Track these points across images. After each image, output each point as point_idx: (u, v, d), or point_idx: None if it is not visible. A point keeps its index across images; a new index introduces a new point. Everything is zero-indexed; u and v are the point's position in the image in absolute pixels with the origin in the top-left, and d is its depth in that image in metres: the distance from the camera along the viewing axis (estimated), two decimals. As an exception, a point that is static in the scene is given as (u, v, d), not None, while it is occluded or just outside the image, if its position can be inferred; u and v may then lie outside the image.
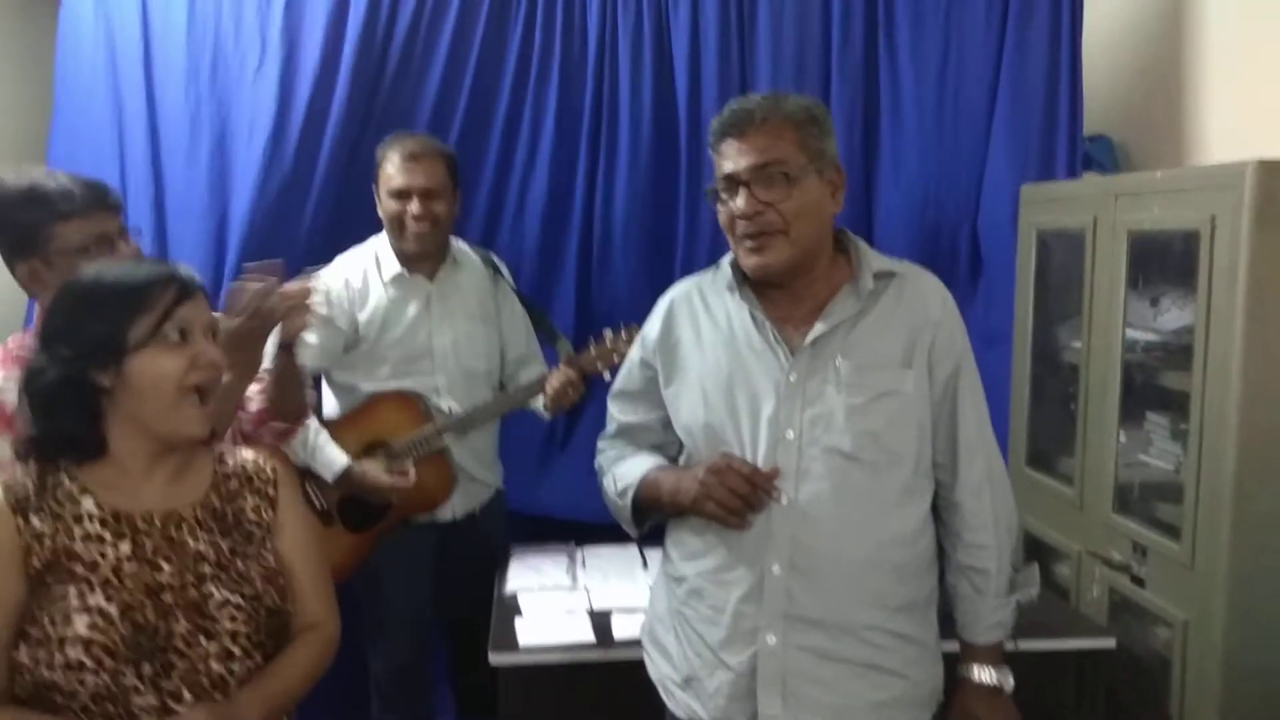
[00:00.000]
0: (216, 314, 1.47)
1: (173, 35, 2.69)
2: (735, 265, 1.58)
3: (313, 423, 2.29)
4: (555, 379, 2.40)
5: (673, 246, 2.90)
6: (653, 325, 1.66)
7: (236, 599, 1.32)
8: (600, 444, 1.75)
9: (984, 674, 1.56)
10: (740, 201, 1.47)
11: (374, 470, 2.32)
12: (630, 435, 1.71)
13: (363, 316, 2.41)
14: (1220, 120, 2.58)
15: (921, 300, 1.54)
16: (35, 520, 1.27)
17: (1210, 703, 1.90)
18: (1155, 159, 2.84)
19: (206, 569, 1.32)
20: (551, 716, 2.00)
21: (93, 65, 2.69)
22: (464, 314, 2.48)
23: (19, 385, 1.31)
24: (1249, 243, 1.81)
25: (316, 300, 1.79)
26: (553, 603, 2.18)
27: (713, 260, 1.69)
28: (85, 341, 1.27)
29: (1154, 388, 2.15)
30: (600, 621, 2.08)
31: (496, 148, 2.84)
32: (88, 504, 1.30)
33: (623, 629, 2.03)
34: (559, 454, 2.90)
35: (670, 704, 1.61)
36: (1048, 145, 2.80)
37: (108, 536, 1.29)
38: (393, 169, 2.36)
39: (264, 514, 1.42)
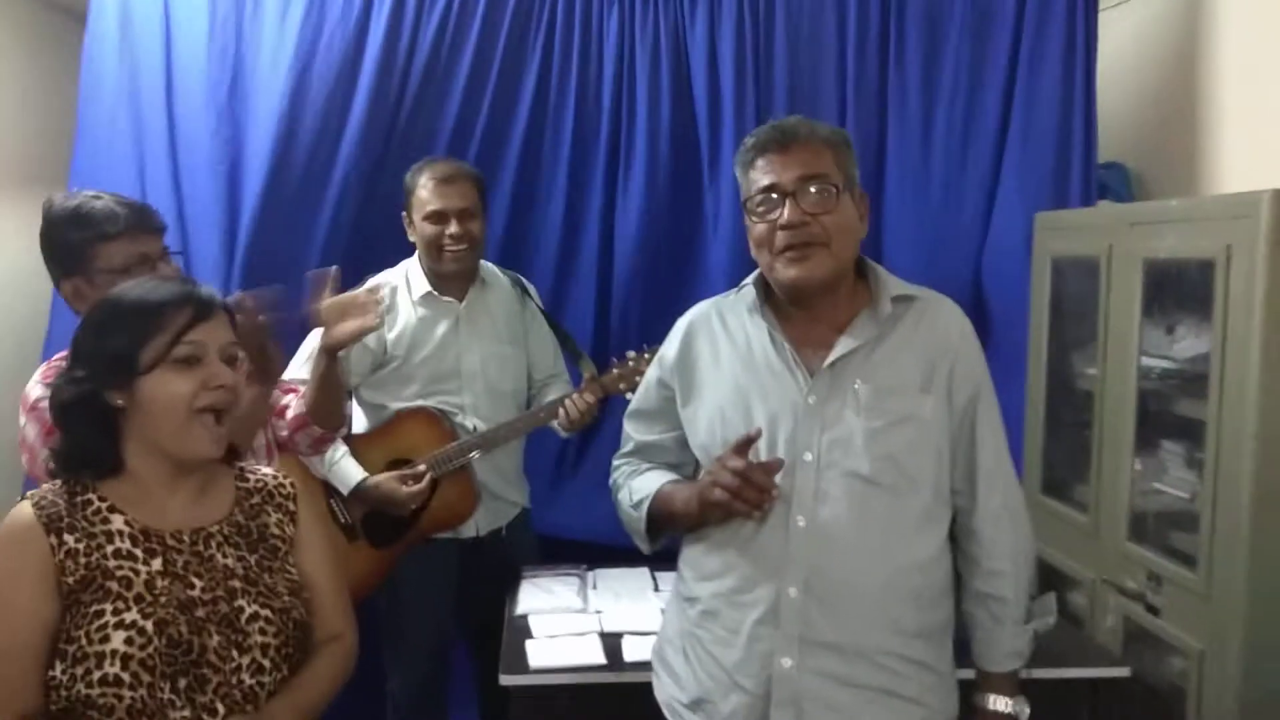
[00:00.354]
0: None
1: (194, 57, 2.72)
2: (759, 285, 1.59)
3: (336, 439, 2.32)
4: (578, 400, 2.42)
5: (689, 267, 2.92)
6: (671, 345, 1.67)
7: (266, 612, 1.34)
8: (616, 461, 1.76)
9: (1000, 703, 1.55)
10: (786, 212, 1.48)
11: (389, 483, 2.34)
12: (646, 453, 1.72)
13: (391, 336, 2.44)
14: (1236, 149, 2.59)
15: (941, 326, 1.55)
16: (69, 538, 1.29)
17: (1227, 734, 1.89)
18: (1170, 187, 2.84)
19: (236, 584, 1.34)
20: (562, 738, 1.99)
21: (115, 86, 2.72)
22: (492, 335, 2.52)
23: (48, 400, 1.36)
24: (1265, 271, 1.81)
25: (377, 305, 1.89)
26: (564, 624, 2.18)
27: (730, 279, 1.70)
28: (101, 361, 1.31)
29: (1169, 415, 2.15)
30: (611, 643, 2.08)
31: (514, 168, 2.87)
32: (117, 522, 1.32)
33: (634, 651, 2.03)
34: (571, 475, 2.91)
35: None
36: (1062, 173, 2.80)
37: (139, 553, 1.31)
38: (426, 194, 2.40)
39: (286, 529, 1.44)
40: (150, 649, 1.25)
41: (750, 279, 1.62)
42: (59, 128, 2.87)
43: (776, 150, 1.51)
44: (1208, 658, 1.93)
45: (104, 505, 1.33)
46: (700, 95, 2.86)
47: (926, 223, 2.85)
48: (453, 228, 2.38)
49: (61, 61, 2.94)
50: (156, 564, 1.31)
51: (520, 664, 1.99)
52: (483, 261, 2.57)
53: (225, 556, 1.36)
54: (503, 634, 2.18)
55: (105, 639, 1.25)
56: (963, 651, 1.60)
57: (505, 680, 1.96)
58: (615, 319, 2.91)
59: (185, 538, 1.34)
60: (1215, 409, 1.92)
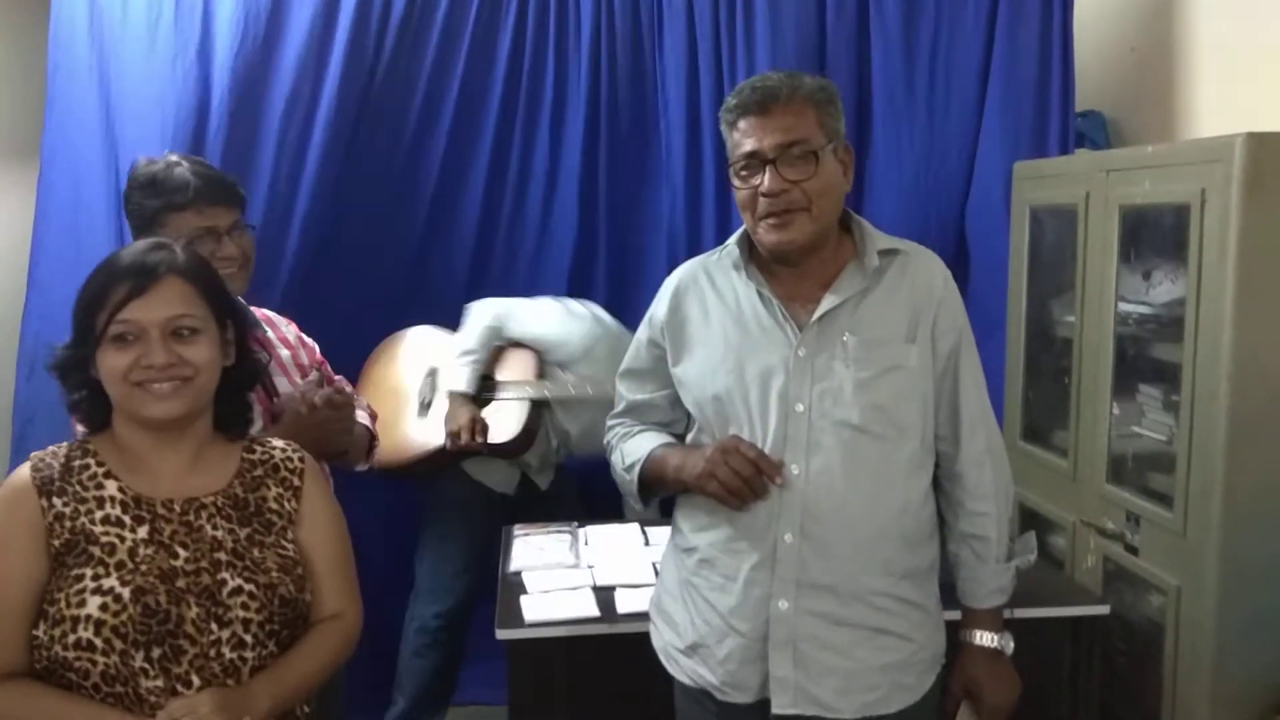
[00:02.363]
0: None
1: (161, 23, 2.67)
2: (742, 245, 1.61)
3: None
4: None
5: (662, 227, 2.94)
6: (660, 305, 1.68)
7: (250, 587, 1.32)
8: (609, 422, 1.78)
9: (985, 638, 1.60)
10: (766, 180, 1.49)
11: (456, 412, 2.62)
12: (638, 413, 1.74)
13: None
14: (1210, 94, 2.61)
15: (925, 277, 1.58)
16: (57, 501, 1.30)
17: (1203, 667, 1.95)
18: (1146, 134, 2.87)
19: (222, 556, 1.33)
20: (558, 689, 2.02)
21: (84, 56, 2.67)
22: None
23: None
24: (1238, 215, 1.84)
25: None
26: (557, 579, 2.21)
27: (713, 240, 1.71)
28: (76, 332, 1.34)
29: (1146, 360, 2.19)
30: (604, 596, 2.11)
31: (491, 136, 2.88)
32: (111, 488, 1.33)
33: (626, 603, 2.06)
34: None
35: (674, 670, 1.65)
36: (1040, 122, 2.82)
37: (127, 520, 1.31)
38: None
39: (286, 504, 1.42)
40: (124, 616, 1.25)
41: (733, 239, 1.63)
42: (30, 99, 2.83)
43: (757, 113, 1.51)
44: (1184, 594, 1.99)
45: (100, 471, 1.34)
46: (678, 52, 2.85)
47: (906, 176, 2.87)
48: None
49: (30, 33, 2.89)
50: (143, 531, 1.31)
51: (515, 618, 2.02)
52: None
53: (215, 529, 1.34)
54: (497, 590, 2.22)
55: (82, 603, 1.25)
56: (949, 593, 1.65)
57: (501, 635, 1.99)
58: (595, 276, 2.96)
59: (176, 507, 1.34)
60: (1190, 352, 1.96)
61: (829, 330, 1.53)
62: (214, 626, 1.29)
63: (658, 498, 1.72)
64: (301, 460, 1.47)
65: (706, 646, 1.57)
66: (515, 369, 2.70)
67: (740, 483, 1.48)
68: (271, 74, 2.69)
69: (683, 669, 1.62)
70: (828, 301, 1.53)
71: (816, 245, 1.55)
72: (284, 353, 1.95)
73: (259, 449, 1.45)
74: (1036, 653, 1.96)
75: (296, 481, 1.44)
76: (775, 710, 1.51)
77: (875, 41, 2.87)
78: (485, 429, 2.61)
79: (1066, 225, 2.42)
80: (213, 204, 1.79)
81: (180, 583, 1.29)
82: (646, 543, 2.43)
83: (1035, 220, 2.61)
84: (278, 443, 1.48)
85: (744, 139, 1.52)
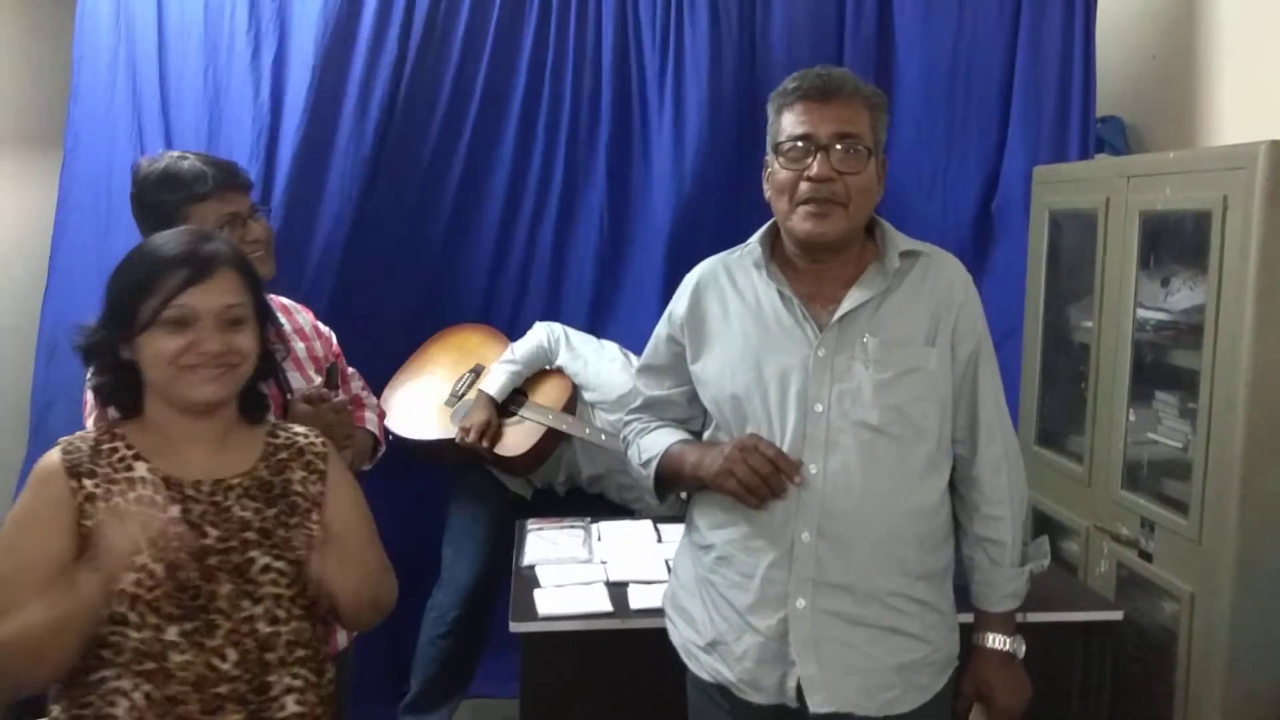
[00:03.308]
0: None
1: (189, 17, 2.70)
2: (764, 243, 1.61)
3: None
4: None
5: (690, 227, 2.94)
6: (680, 302, 1.69)
7: (280, 565, 1.37)
8: (626, 417, 1.79)
9: (998, 641, 1.61)
10: (816, 166, 1.49)
11: (475, 412, 2.66)
12: (656, 409, 1.74)
13: None
14: (1232, 101, 2.60)
15: (946, 281, 1.58)
16: (88, 483, 1.32)
17: (1215, 674, 1.94)
18: (1167, 140, 2.86)
19: (251, 535, 1.37)
20: (571, 683, 2.04)
21: (111, 46, 2.71)
22: None
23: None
24: (1260, 223, 1.84)
25: None
26: (570, 574, 2.22)
27: (728, 244, 1.72)
28: (110, 313, 1.36)
29: (1164, 367, 2.18)
30: (617, 592, 2.12)
31: (514, 134, 2.89)
32: (140, 469, 1.35)
33: (639, 599, 2.07)
34: None
35: (694, 667, 1.65)
36: (1061, 127, 2.83)
37: (159, 500, 1.34)
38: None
39: (311, 486, 1.45)
40: (158, 591, 1.29)
41: (755, 237, 1.64)
42: (57, 88, 2.86)
43: (818, 99, 1.51)
44: (1198, 601, 1.99)
45: (129, 453, 1.36)
46: (701, 47, 2.86)
47: (926, 178, 2.87)
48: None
49: (58, 21, 2.92)
50: (174, 511, 1.34)
51: (529, 612, 2.04)
52: None
53: (243, 509, 1.38)
54: (511, 584, 2.23)
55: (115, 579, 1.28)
56: (962, 596, 1.65)
57: (515, 628, 2.00)
58: (613, 282, 2.98)
59: (205, 488, 1.37)
60: (1209, 359, 1.95)
61: (849, 331, 1.54)
62: (247, 603, 1.33)
63: (674, 494, 1.72)
64: (324, 445, 1.50)
65: (725, 644, 1.58)
66: (549, 394, 2.75)
67: (759, 481, 1.48)
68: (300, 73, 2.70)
69: (702, 665, 1.63)
70: (848, 302, 1.54)
71: (845, 244, 1.56)
72: (299, 345, 1.96)
73: (282, 434, 1.49)
74: (1048, 657, 1.97)
75: (321, 465, 1.47)
76: (812, 709, 1.51)
77: (898, 42, 2.87)
78: (496, 437, 2.65)
79: (1086, 230, 2.41)
80: (233, 190, 1.82)
81: (212, 560, 1.33)
82: (659, 539, 2.44)
83: (1054, 224, 2.60)
84: (299, 428, 1.52)
85: (798, 122, 1.51)
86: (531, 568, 2.26)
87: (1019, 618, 1.65)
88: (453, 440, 2.68)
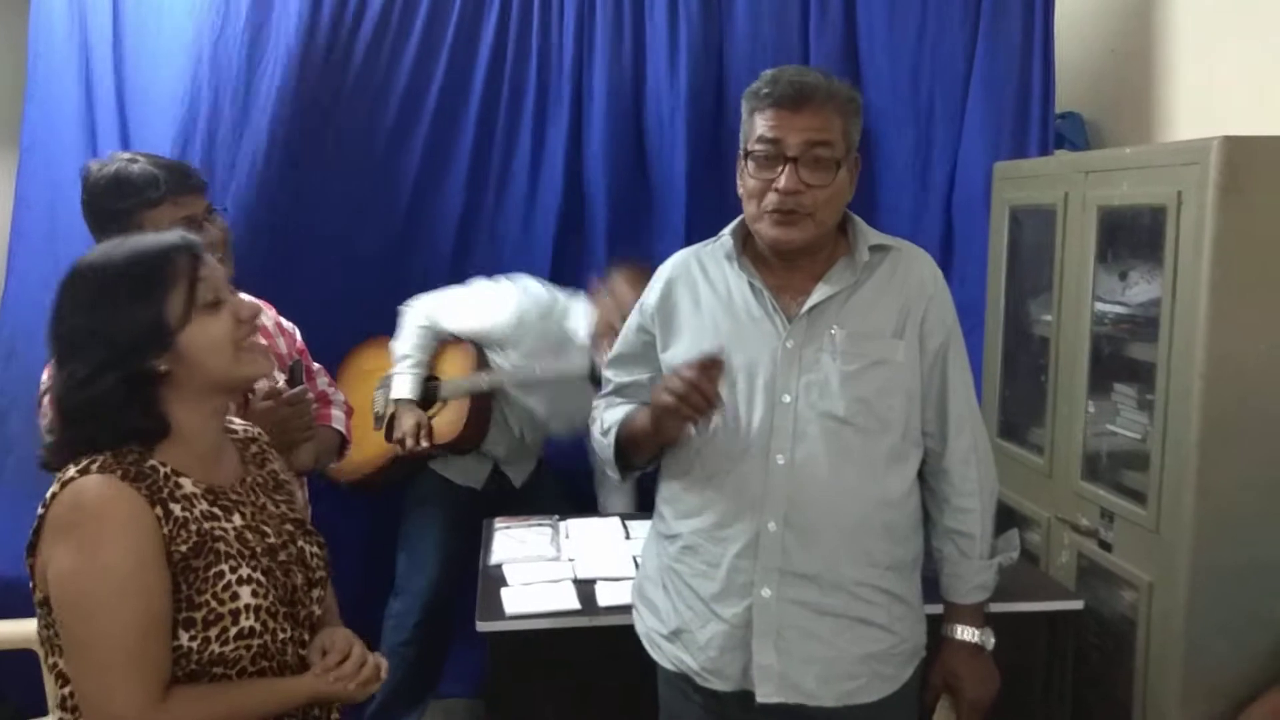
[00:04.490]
0: None
1: (142, 11, 2.67)
2: (736, 235, 1.62)
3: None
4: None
5: (645, 218, 2.95)
6: (652, 292, 1.70)
7: (315, 548, 1.42)
8: (595, 402, 1.80)
9: (967, 633, 1.63)
10: (784, 179, 1.49)
11: (401, 420, 2.64)
12: (625, 394, 1.75)
13: None
14: (1188, 97, 2.64)
15: (915, 274, 1.60)
16: (174, 508, 1.24)
17: (1174, 661, 1.97)
18: (1125, 135, 2.90)
19: (290, 527, 1.39)
20: (539, 682, 2.04)
21: (65, 42, 2.67)
22: None
23: (53, 400, 1.25)
24: (1214, 217, 1.86)
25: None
26: (538, 572, 2.22)
27: (689, 232, 1.73)
28: (126, 335, 1.22)
29: (1122, 359, 2.21)
30: (585, 589, 2.12)
31: (474, 123, 2.88)
32: (187, 485, 1.27)
33: (607, 596, 2.07)
34: None
35: (657, 656, 1.66)
36: (1020, 123, 2.86)
37: (218, 511, 1.29)
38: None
39: (283, 472, 1.48)
40: (271, 596, 1.29)
41: (728, 229, 1.65)
42: (13, 88, 2.81)
43: (789, 107, 1.50)
44: (1156, 589, 2.02)
45: (167, 469, 1.26)
46: (659, 40, 2.86)
47: (889, 174, 2.90)
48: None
49: (14, 22, 2.87)
50: (236, 519, 1.31)
51: (496, 611, 2.03)
52: None
53: (274, 505, 1.39)
54: (478, 583, 2.22)
55: (234, 596, 1.25)
56: (932, 588, 1.67)
57: (482, 627, 1.99)
58: (581, 263, 2.98)
59: (239, 492, 1.35)
60: (1165, 351, 1.98)
61: (818, 323, 1.55)
62: (312, 589, 1.38)
63: (636, 471, 1.73)
64: (259, 431, 1.53)
65: (689, 632, 1.59)
66: (456, 364, 2.72)
67: (688, 388, 1.45)
68: (255, 64, 2.68)
69: (665, 654, 1.64)
70: (817, 294, 1.55)
71: (814, 247, 1.57)
72: (260, 343, 1.94)
73: (238, 428, 1.48)
74: (1012, 647, 1.99)
75: (272, 452, 1.50)
76: (760, 699, 1.53)
77: (861, 40, 2.89)
78: (430, 432, 2.64)
79: (1045, 225, 2.44)
80: (186, 193, 1.76)
81: (282, 556, 1.34)
82: (627, 536, 2.44)
83: (1014, 220, 2.63)
84: (238, 421, 1.51)
85: (768, 128, 1.51)
86: (499, 566, 2.26)
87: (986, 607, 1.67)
88: (397, 458, 2.67)
